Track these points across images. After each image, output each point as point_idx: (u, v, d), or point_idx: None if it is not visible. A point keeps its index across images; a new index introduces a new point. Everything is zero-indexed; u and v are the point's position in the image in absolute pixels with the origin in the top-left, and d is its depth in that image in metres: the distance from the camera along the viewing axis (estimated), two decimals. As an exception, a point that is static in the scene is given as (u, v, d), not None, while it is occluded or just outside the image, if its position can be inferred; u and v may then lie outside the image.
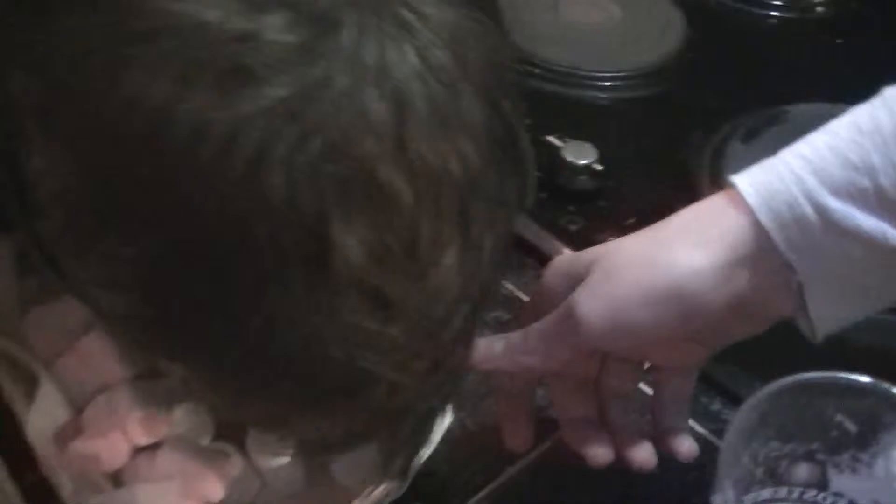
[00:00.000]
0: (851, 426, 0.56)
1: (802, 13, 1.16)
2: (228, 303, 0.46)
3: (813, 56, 1.09)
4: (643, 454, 0.64)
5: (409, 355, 0.47)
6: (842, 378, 0.57)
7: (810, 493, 0.58)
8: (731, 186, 0.58)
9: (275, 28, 0.41)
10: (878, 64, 0.95)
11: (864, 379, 0.57)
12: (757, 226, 0.57)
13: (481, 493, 0.71)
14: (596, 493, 0.69)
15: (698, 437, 0.68)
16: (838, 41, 1.11)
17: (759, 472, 0.55)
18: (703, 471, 0.63)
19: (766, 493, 0.56)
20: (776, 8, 1.14)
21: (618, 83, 1.02)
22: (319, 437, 0.56)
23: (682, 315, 0.58)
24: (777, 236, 0.56)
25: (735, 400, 0.70)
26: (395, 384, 0.48)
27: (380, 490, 0.67)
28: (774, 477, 0.57)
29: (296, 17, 0.42)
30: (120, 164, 0.45)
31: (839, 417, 0.55)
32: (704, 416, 0.74)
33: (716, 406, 0.75)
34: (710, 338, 0.61)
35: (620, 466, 0.64)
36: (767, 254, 0.57)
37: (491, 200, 0.47)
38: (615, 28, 1.07)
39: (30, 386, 0.69)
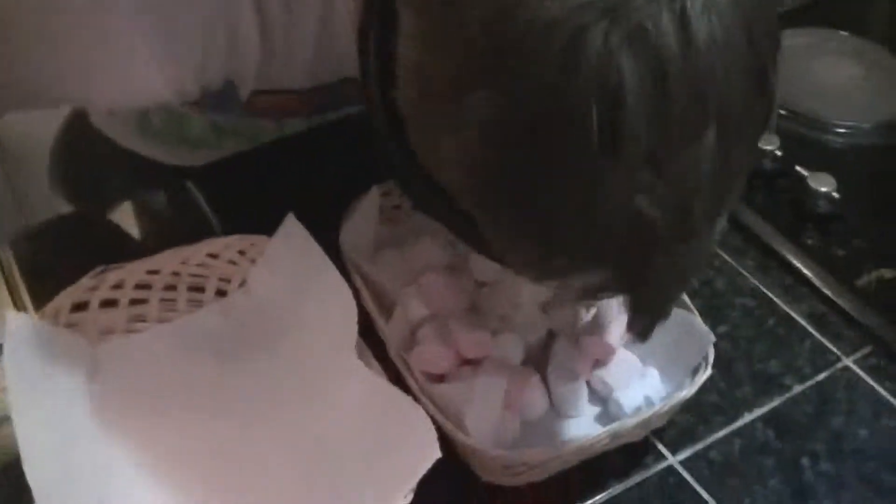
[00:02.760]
0: None
1: None
2: (554, 163, 0.58)
3: None
4: None
5: (672, 205, 0.58)
6: None
7: None
8: None
9: None
10: None
11: None
12: None
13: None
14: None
15: None
16: None
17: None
18: None
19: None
20: None
21: (856, 131, 1.18)
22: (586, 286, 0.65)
23: None
24: None
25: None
26: (658, 227, 0.58)
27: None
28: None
29: None
30: (480, 43, 0.57)
31: None
32: None
33: None
34: None
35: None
36: None
37: (743, 106, 0.59)
38: (857, 85, 1.24)
39: (385, 306, 0.89)
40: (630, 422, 0.81)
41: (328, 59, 0.87)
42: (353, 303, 0.83)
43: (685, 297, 0.89)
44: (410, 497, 0.73)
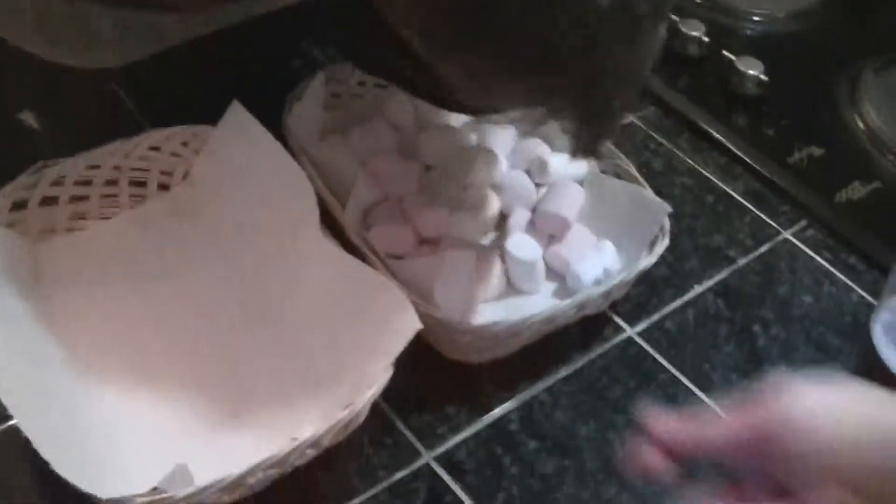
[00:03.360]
0: None
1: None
2: None
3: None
4: None
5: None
6: None
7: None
8: None
9: None
10: None
11: None
12: None
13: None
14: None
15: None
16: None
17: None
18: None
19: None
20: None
21: (772, 19, 1.20)
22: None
23: None
24: None
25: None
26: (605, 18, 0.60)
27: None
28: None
29: None
30: None
31: None
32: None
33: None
34: None
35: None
36: None
37: None
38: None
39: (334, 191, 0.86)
40: (595, 291, 0.81)
41: None
42: (309, 183, 0.81)
43: (634, 171, 0.90)
44: (391, 372, 0.73)
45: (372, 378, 0.72)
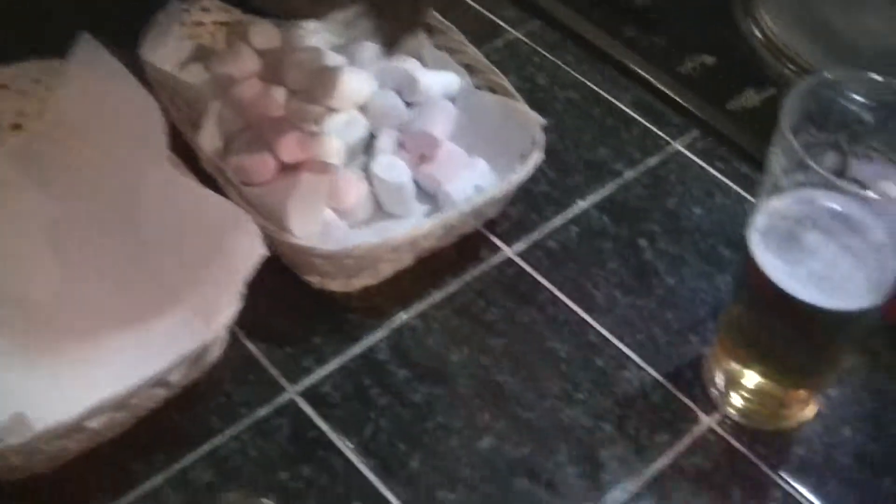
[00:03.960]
0: (869, 118, 0.70)
1: None
2: None
3: None
4: None
5: None
6: (863, 74, 0.67)
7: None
8: None
9: None
10: None
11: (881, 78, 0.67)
12: None
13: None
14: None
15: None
16: None
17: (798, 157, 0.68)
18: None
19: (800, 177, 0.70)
20: None
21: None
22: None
23: None
24: None
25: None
26: None
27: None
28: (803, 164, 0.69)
29: None
30: None
31: (858, 110, 0.70)
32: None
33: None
34: None
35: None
36: None
37: None
38: None
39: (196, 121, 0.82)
40: (464, 208, 0.77)
41: None
42: (160, 113, 0.77)
43: (508, 85, 0.86)
44: (238, 301, 0.69)
45: (220, 308, 0.68)
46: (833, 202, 0.66)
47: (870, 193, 0.65)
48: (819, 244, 0.67)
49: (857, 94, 0.69)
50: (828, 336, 0.69)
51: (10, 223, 0.80)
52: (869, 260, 0.66)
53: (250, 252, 0.68)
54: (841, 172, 0.69)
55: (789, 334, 0.69)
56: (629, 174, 0.90)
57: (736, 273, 0.78)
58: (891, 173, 0.69)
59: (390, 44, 0.78)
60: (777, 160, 0.68)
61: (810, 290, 0.65)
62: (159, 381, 0.66)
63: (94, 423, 0.65)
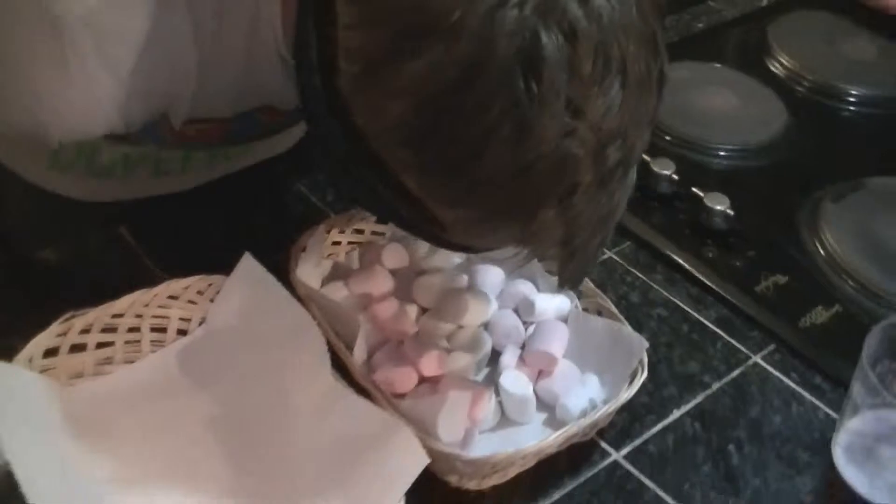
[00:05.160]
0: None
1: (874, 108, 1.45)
2: (485, 117, 0.67)
3: (884, 137, 1.39)
4: None
5: (592, 147, 0.69)
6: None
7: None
8: None
9: None
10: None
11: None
12: None
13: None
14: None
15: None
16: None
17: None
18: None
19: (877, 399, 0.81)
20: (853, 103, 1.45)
21: (740, 153, 1.32)
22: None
23: None
24: None
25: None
26: (582, 166, 0.69)
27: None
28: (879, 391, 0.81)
29: None
30: (411, 19, 0.68)
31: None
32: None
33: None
34: None
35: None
36: None
37: (641, 62, 0.70)
38: (735, 112, 1.37)
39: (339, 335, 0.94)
40: (583, 422, 0.89)
41: (252, 86, 0.94)
42: (319, 331, 0.89)
43: (613, 308, 0.98)
44: (402, 504, 0.80)
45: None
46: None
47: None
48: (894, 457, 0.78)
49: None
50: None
51: (178, 419, 0.91)
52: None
53: (414, 461, 0.79)
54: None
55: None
56: (716, 385, 1.02)
57: (820, 482, 0.89)
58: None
59: (569, 285, 0.88)
60: (857, 386, 0.79)
61: (887, 496, 0.76)
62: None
63: None
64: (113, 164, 1.12)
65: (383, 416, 0.84)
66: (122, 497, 0.84)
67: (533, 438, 0.90)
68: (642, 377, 0.93)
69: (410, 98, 0.69)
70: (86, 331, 0.93)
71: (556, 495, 0.91)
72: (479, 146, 0.69)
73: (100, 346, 0.94)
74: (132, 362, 0.95)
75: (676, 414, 0.99)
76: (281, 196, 1.16)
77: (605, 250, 1.15)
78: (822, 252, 1.16)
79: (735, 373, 1.03)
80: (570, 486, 0.92)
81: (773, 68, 1.48)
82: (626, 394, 0.92)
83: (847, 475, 0.79)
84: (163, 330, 0.97)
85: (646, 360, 0.94)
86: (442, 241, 0.84)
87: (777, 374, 1.03)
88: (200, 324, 0.98)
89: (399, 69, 0.69)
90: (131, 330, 0.95)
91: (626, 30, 0.69)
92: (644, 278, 1.12)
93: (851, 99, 1.44)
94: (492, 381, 0.95)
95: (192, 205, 1.13)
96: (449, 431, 0.86)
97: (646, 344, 0.94)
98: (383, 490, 0.80)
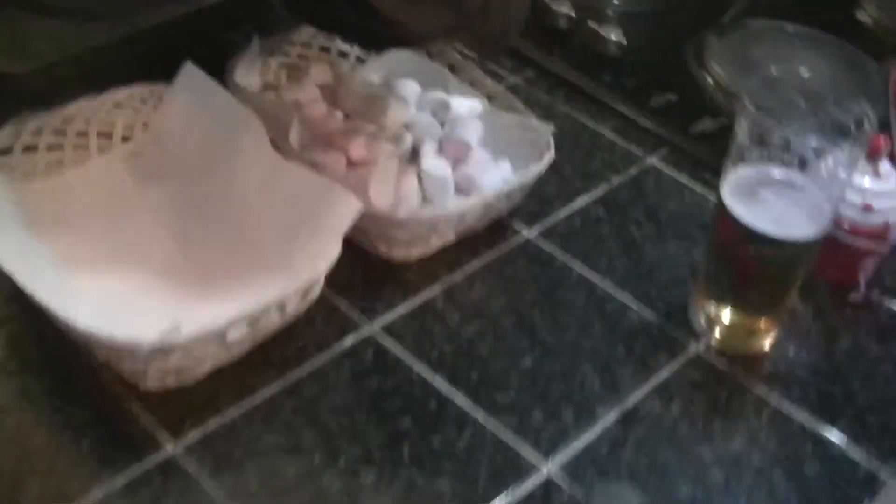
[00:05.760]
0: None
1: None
2: None
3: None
4: None
5: None
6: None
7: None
8: None
9: None
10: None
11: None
12: None
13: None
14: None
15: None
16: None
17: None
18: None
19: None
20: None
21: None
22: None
23: None
24: None
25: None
26: None
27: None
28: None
29: None
30: None
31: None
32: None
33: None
34: None
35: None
36: None
37: None
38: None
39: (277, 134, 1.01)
40: (499, 191, 0.99)
41: None
42: (260, 121, 0.98)
43: (521, 106, 1.09)
44: (339, 248, 0.89)
45: (323, 253, 0.88)
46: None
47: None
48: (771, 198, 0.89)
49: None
50: (779, 267, 0.91)
51: (128, 210, 0.99)
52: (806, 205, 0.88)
53: (348, 208, 0.89)
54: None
55: (752, 270, 0.91)
56: (616, 180, 1.12)
57: (710, 230, 1.00)
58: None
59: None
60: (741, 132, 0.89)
61: (766, 225, 0.87)
62: (279, 305, 0.86)
63: (234, 334, 0.84)
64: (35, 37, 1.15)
65: (322, 180, 0.93)
66: (71, 275, 0.91)
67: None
68: (549, 155, 1.03)
69: None
70: (37, 133, 1.00)
71: (476, 264, 1.01)
72: None
73: (50, 148, 1.01)
74: (81, 164, 1.02)
75: (581, 202, 1.09)
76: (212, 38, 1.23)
77: (510, 74, 1.25)
78: (708, 78, 1.27)
79: (633, 170, 1.14)
80: (488, 259, 1.02)
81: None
82: (537, 167, 1.01)
83: (733, 208, 0.89)
84: (109, 136, 1.04)
85: (552, 143, 1.04)
86: (378, 36, 0.93)
87: (670, 172, 1.14)
88: (144, 128, 1.05)
89: None
90: (80, 134, 1.03)
91: None
92: (548, 98, 1.22)
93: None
94: (414, 168, 1.04)
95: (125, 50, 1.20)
96: (379, 197, 0.95)
97: (552, 128, 1.04)
98: (325, 236, 0.89)
